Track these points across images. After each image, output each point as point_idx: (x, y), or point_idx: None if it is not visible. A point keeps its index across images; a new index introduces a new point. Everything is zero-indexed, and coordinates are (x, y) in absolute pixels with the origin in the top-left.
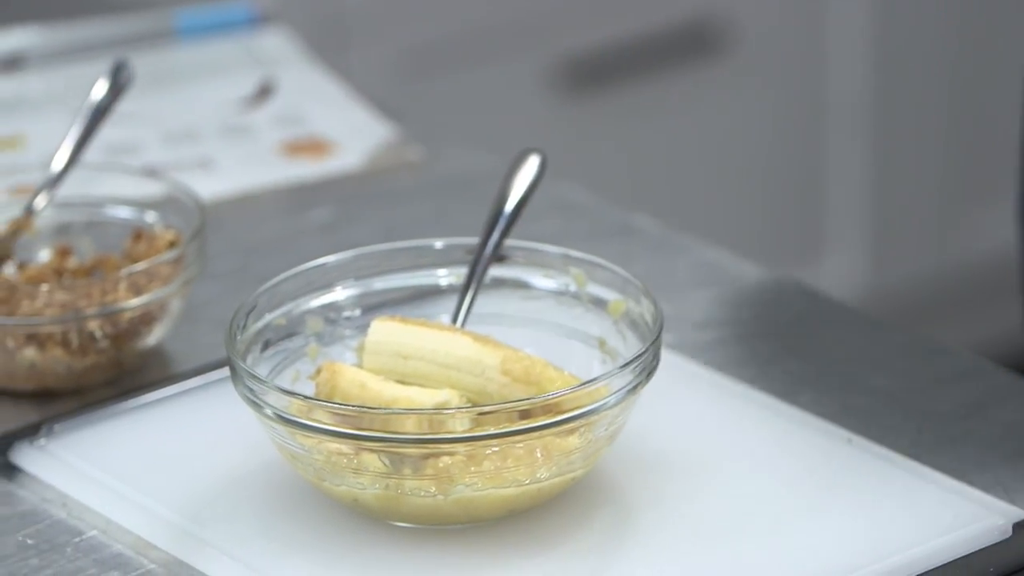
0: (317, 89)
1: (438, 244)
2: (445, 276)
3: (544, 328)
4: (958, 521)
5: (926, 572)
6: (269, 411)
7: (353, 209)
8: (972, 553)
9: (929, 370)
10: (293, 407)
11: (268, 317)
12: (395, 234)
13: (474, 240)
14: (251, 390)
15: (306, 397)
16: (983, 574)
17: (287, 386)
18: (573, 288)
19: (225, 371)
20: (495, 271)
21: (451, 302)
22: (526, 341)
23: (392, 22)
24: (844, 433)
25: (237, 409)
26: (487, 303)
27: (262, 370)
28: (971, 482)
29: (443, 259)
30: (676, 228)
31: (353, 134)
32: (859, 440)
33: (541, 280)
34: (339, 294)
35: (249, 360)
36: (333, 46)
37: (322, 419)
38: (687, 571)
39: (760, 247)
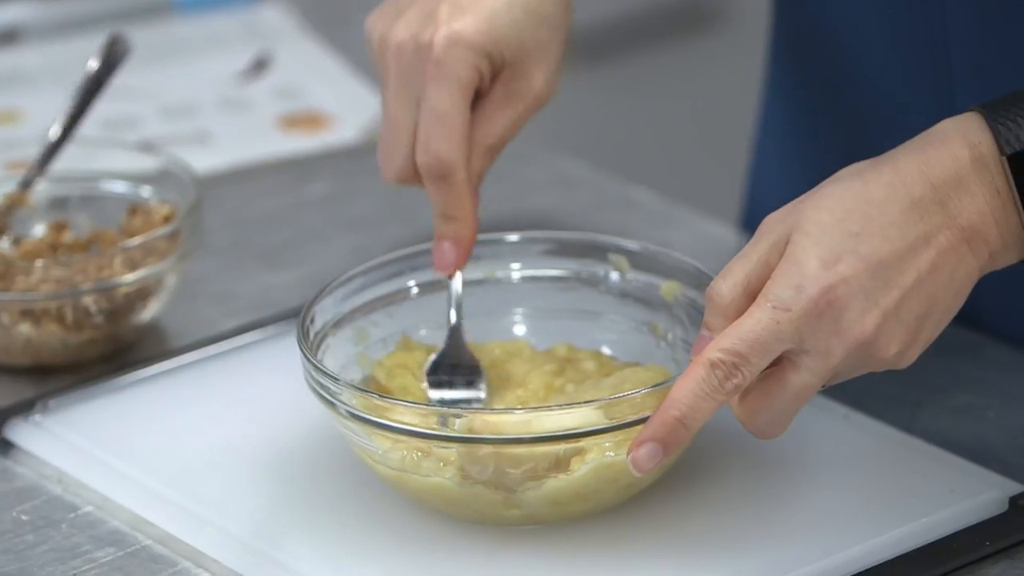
0: (315, 63)
1: (512, 237)
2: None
3: (592, 318)
4: (955, 495)
5: (923, 546)
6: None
7: (351, 183)
8: (969, 527)
9: None
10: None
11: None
12: (393, 209)
13: (561, 233)
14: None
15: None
16: (980, 548)
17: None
18: (615, 274)
19: (221, 346)
20: (527, 262)
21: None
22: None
23: None
24: (841, 409)
25: (232, 385)
26: (533, 297)
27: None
28: (968, 456)
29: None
30: (676, 201)
31: (350, 108)
32: (856, 415)
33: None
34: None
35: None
36: (331, 20)
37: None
38: (680, 547)
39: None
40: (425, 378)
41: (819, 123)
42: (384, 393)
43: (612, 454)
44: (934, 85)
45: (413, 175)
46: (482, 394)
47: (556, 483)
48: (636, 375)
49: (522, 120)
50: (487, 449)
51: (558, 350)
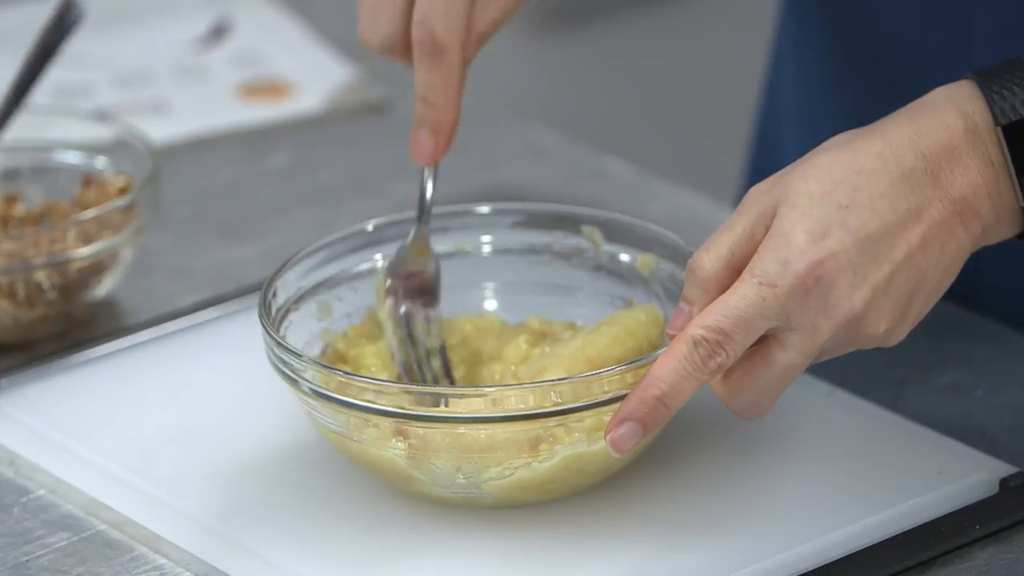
0: (275, 28)
1: (482, 209)
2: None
3: (563, 292)
4: (943, 477)
5: (909, 529)
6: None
7: (313, 154)
8: (957, 510)
9: None
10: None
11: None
12: (358, 181)
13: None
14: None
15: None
16: (969, 531)
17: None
18: (589, 248)
19: (179, 323)
20: (498, 235)
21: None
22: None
23: None
24: (824, 386)
25: (190, 363)
26: (504, 270)
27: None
28: (956, 436)
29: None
30: (650, 172)
31: (313, 75)
32: (840, 393)
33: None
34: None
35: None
36: None
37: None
38: (657, 530)
39: (737, 191)
40: (385, 280)
41: (834, 87)
42: (341, 362)
43: (584, 442)
44: (952, 44)
45: (398, 46)
46: (434, 314)
47: (524, 472)
48: (624, 318)
49: (513, 8)
50: (444, 451)
51: (530, 323)
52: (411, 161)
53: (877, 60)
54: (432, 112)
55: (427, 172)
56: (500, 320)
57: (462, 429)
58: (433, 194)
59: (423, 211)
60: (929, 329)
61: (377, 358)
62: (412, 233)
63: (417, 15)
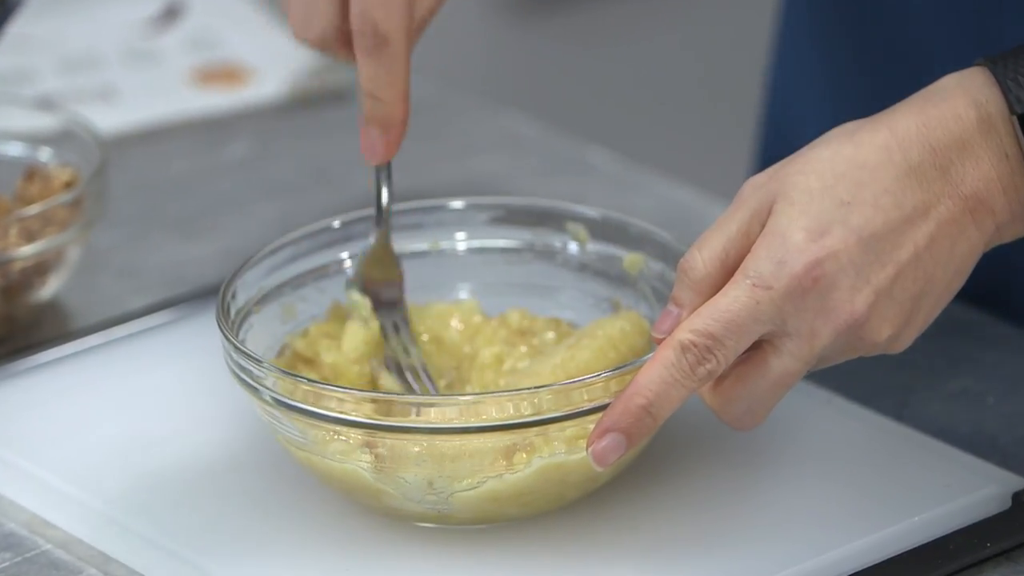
0: (232, 9)
1: (456, 204)
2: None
3: (542, 293)
4: (951, 491)
5: (915, 547)
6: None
7: (274, 144)
8: (967, 527)
9: None
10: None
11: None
12: (322, 172)
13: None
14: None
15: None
16: (979, 549)
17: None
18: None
19: (129, 327)
20: (474, 232)
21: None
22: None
23: None
24: (823, 393)
25: (142, 370)
26: (481, 270)
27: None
28: (965, 447)
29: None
30: (638, 163)
31: (273, 59)
32: (840, 401)
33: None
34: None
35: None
36: None
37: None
38: (646, 548)
39: (728, 183)
40: (347, 286)
41: (847, 62)
42: (301, 364)
43: (563, 452)
44: (979, 21)
45: (335, 41)
46: (405, 327)
47: (496, 483)
48: (607, 328)
49: None
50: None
51: (510, 317)
52: (362, 162)
53: (902, 31)
54: (380, 108)
55: (381, 172)
56: (478, 308)
57: (439, 440)
58: (390, 194)
59: (381, 214)
60: (936, 332)
61: (341, 358)
62: (371, 239)
63: (355, 6)
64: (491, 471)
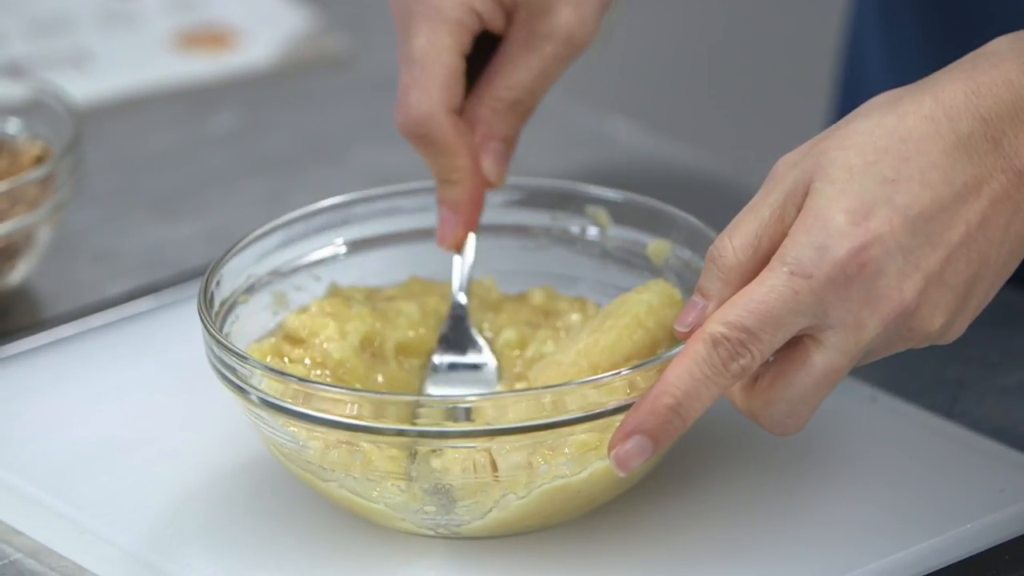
0: None
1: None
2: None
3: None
4: (1005, 496)
5: (967, 558)
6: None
7: (263, 115)
8: (1022, 535)
9: None
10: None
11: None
12: (317, 146)
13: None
14: None
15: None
16: None
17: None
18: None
19: (106, 315)
20: (487, 215)
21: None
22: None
23: None
24: (867, 390)
25: (119, 363)
26: (495, 256)
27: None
28: (1022, 448)
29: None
30: (663, 136)
31: (262, 22)
32: (885, 398)
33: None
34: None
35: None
36: None
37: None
38: (673, 559)
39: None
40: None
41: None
42: (293, 344)
43: (567, 474)
44: None
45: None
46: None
47: (498, 512)
48: (633, 305)
49: (551, 68)
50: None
51: (533, 296)
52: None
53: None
54: (447, 190)
55: (455, 258)
56: (495, 286)
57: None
58: (468, 287)
59: (461, 291)
60: (989, 320)
61: (342, 341)
62: (449, 320)
63: (396, 100)
64: (489, 500)
